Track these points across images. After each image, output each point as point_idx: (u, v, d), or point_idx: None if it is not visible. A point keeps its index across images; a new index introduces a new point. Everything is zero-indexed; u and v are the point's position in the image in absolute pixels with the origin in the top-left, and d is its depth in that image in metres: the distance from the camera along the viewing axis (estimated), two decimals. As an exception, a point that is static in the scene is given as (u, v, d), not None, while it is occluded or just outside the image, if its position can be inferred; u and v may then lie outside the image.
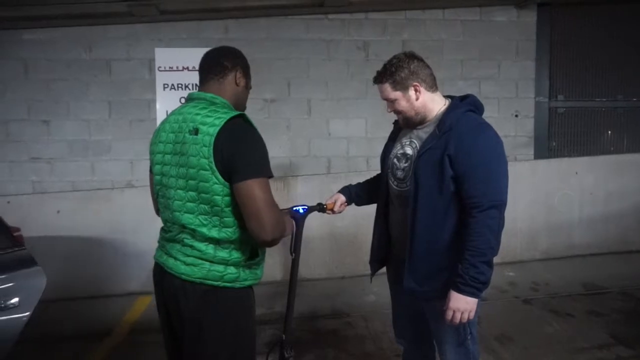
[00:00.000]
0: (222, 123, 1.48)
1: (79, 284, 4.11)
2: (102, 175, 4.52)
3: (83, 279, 4.13)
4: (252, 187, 1.45)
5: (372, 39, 4.64)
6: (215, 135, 1.46)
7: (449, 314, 1.71)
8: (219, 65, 1.66)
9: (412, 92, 1.79)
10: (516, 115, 4.90)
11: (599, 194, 4.80)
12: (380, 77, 1.82)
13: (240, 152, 1.47)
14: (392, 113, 1.89)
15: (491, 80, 4.83)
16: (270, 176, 1.52)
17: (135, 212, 4.17)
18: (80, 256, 4.17)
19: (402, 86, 1.79)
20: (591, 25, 4.99)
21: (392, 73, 1.79)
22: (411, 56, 1.82)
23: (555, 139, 5.08)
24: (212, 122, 1.49)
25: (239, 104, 1.71)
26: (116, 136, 4.51)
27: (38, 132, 4.44)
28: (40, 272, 2.20)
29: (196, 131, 1.50)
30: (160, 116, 4.43)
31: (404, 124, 1.91)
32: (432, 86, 1.83)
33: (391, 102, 1.84)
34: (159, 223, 1.73)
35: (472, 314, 1.71)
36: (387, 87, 1.81)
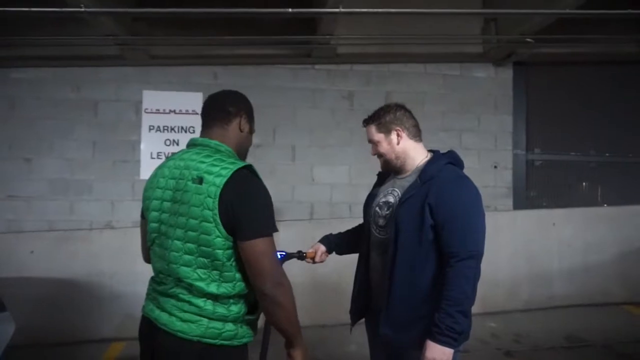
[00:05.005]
0: (230, 174, 1.42)
1: (51, 329, 3.92)
2: (81, 216, 4.40)
3: (55, 324, 3.95)
4: (259, 245, 1.42)
5: (357, 89, 4.78)
6: (221, 186, 1.41)
7: (425, 364, 1.68)
8: (223, 110, 1.63)
9: (394, 136, 1.92)
10: (495, 167, 5.03)
11: (577, 245, 4.87)
12: (368, 119, 1.99)
13: (248, 208, 1.43)
14: (377, 161, 1.95)
15: (471, 132, 4.97)
16: (276, 231, 1.48)
17: (113, 254, 4.06)
18: (53, 299, 4.00)
19: (386, 129, 1.93)
20: (564, 84, 5.24)
21: (378, 116, 1.96)
22: (399, 106, 1.98)
23: (533, 190, 5.21)
24: (219, 172, 1.43)
25: (242, 150, 1.68)
26: (98, 176, 4.44)
27: (18, 170, 4.35)
28: (9, 318, 2.12)
29: (200, 180, 1.44)
30: (145, 157, 4.43)
31: (385, 167, 2.01)
32: (416, 136, 1.95)
33: (374, 145, 1.96)
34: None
35: (448, 364, 1.68)
36: (373, 128, 1.95)
